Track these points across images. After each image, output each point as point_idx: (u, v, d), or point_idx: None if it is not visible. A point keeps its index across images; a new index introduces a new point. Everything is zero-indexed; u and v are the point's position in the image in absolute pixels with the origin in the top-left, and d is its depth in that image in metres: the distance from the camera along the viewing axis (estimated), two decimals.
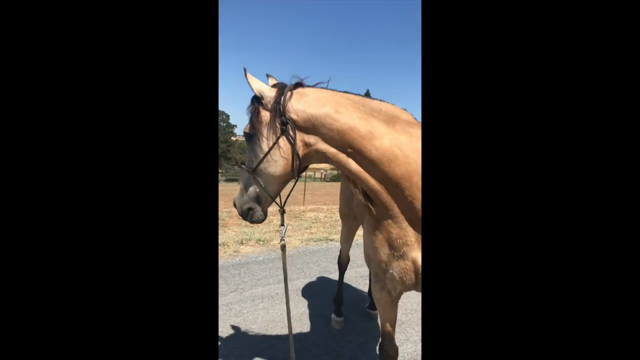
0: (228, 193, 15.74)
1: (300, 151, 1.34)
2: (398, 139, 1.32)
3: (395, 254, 1.49)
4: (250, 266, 4.58)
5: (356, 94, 1.41)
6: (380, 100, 1.42)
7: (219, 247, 5.42)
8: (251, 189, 1.42)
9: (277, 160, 1.34)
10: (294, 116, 1.31)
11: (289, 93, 1.33)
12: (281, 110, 1.30)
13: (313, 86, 1.42)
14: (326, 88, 1.42)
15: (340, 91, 1.40)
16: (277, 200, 1.49)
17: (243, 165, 1.43)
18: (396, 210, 1.41)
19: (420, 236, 1.44)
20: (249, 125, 1.40)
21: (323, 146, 1.34)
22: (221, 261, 4.80)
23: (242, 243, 5.63)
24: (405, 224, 1.44)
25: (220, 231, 6.60)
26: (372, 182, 1.36)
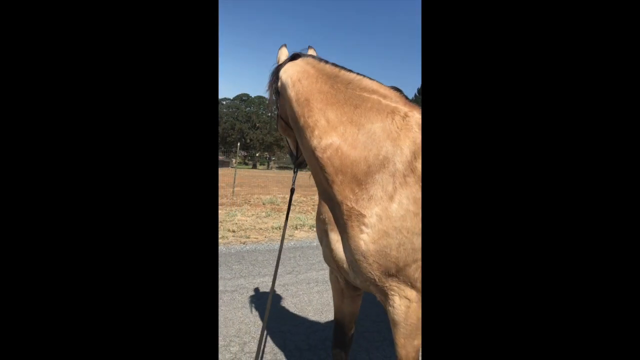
0: (281, 180, 16.24)
1: (283, 114, 1.49)
2: (334, 114, 1.30)
3: (322, 229, 1.45)
4: (304, 250, 4.72)
5: (341, 67, 1.43)
6: (361, 75, 1.40)
7: (276, 231, 5.64)
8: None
9: (276, 122, 1.56)
10: (278, 83, 1.46)
11: (287, 62, 1.47)
12: (274, 77, 1.49)
13: (312, 56, 1.50)
14: (314, 58, 1.46)
15: (331, 62, 1.45)
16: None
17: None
18: (317, 182, 1.43)
19: (333, 215, 1.36)
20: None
21: (289, 113, 1.44)
22: (277, 244, 5.00)
23: (296, 228, 5.81)
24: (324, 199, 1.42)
25: (275, 216, 6.85)
26: (302, 150, 1.40)
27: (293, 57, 1.49)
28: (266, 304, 3.12)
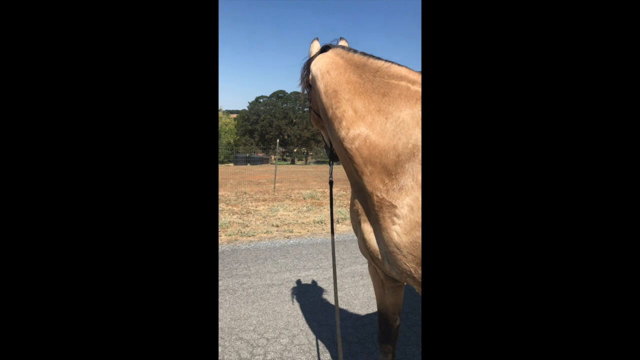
0: (319, 174, 16.32)
1: (315, 107, 1.50)
2: (361, 103, 1.29)
3: (356, 220, 1.46)
4: (347, 244, 4.72)
5: (370, 55, 1.40)
6: (389, 62, 1.36)
7: (317, 225, 5.69)
8: None
9: (309, 112, 1.59)
10: (309, 76, 1.47)
11: (318, 54, 1.47)
12: (306, 71, 1.50)
13: (341, 47, 1.48)
14: (344, 49, 1.45)
15: (360, 52, 1.42)
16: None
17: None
18: (348, 173, 1.42)
19: (364, 207, 1.38)
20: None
21: (317, 106, 1.45)
22: (320, 237, 5.04)
23: (338, 222, 5.82)
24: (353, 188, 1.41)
25: (316, 210, 6.91)
26: (332, 142, 1.40)
27: (323, 49, 1.49)
28: (312, 297, 3.16)
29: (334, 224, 5.66)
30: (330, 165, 1.68)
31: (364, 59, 1.38)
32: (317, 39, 1.60)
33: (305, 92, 1.57)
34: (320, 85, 1.37)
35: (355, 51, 1.43)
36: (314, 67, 1.43)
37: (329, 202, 7.88)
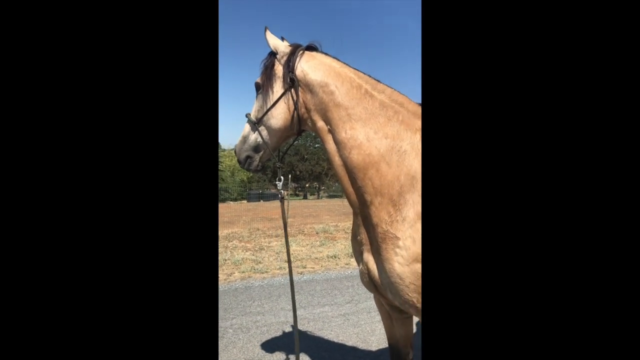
0: (332, 208, 16.26)
1: (301, 111, 1.37)
2: (372, 129, 1.26)
3: (358, 251, 1.43)
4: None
5: (368, 75, 1.37)
6: (391, 88, 1.35)
7: (331, 260, 5.61)
8: (252, 137, 1.46)
9: (280, 114, 1.39)
10: (300, 75, 1.34)
11: (300, 52, 1.37)
12: (290, 66, 1.34)
13: (325, 53, 1.41)
14: (338, 59, 1.39)
15: (351, 67, 1.38)
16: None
17: (248, 115, 1.47)
18: (351, 202, 1.37)
19: (368, 236, 1.34)
20: (261, 77, 1.44)
21: (315, 116, 1.35)
22: (334, 273, 4.96)
23: (351, 256, 5.73)
24: (360, 219, 1.37)
25: (330, 244, 6.84)
26: (337, 165, 1.33)
27: (309, 48, 1.41)
28: (328, 334, 3.07)
29: (350, 258, 5.57)
30: (278, 172, 1.54)
31: (366, 78, 1.35)
32: (268, 28, 1.45)
33: (281, 90, 1.37)
34: (327, 100, 1.30)
35: (343, 62, 1.38)
36: (316, 74, 1.32)
37: (341, 236, 7.80)
